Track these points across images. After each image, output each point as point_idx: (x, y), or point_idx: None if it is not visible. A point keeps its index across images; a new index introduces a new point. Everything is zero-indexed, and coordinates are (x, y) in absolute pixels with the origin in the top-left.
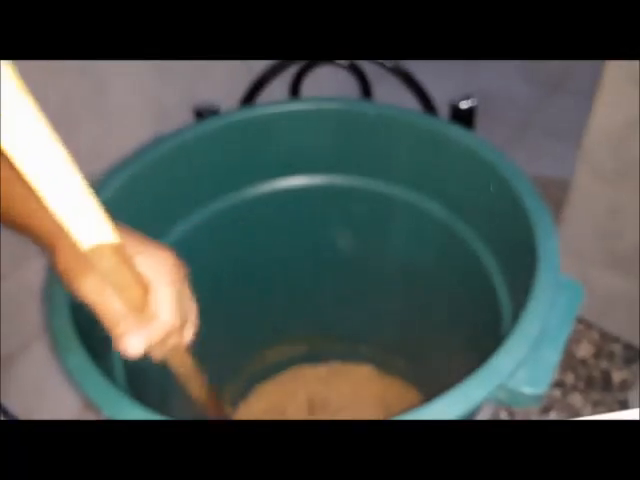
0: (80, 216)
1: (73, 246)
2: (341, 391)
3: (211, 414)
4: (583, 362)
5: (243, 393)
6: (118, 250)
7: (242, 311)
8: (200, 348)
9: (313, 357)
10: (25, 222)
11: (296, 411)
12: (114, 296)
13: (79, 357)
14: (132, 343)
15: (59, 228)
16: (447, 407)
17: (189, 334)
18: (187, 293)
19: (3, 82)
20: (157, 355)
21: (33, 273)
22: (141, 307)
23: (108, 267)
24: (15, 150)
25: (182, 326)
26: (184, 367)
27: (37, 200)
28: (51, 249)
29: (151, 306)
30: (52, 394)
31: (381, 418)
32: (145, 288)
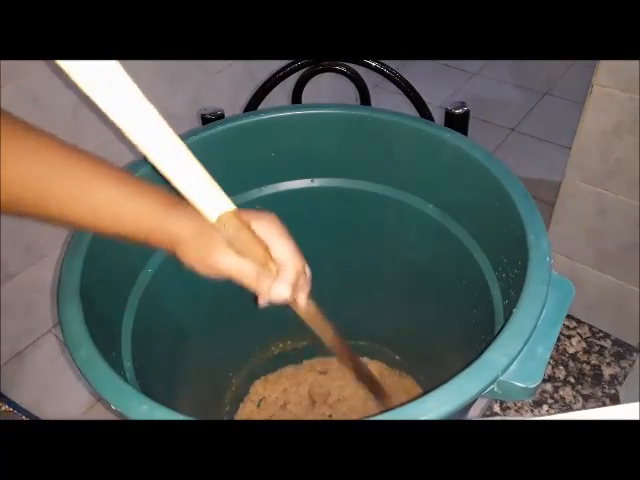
0: (205, 191)
1: (196, 236)
2: (341, 384)
3: (341, 356)
4: (574, 357)
5: (245, 387)
6: (236, 214)
7: (244, 309)
8: (204, 343)
9: (313, 352)
10: (134, 232)
11: (297, 404)
12: (246, 261)
13: (89, 352)
14: (279, 291)
15: (176, 226)
16: (442, 400)
17: (309, 273)
18: (296, 244)
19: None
20: (299, 300)
21: (44, 269)
22: (266, 262)
23: (234, 231)
24: (149, 147)
25: (304, 269)
26: (313, 310)
27: (151, 213)
28: (172, 247)
29: (275, 258)
30: (62, 388)
31: (379, 411)
32: (265, 246)
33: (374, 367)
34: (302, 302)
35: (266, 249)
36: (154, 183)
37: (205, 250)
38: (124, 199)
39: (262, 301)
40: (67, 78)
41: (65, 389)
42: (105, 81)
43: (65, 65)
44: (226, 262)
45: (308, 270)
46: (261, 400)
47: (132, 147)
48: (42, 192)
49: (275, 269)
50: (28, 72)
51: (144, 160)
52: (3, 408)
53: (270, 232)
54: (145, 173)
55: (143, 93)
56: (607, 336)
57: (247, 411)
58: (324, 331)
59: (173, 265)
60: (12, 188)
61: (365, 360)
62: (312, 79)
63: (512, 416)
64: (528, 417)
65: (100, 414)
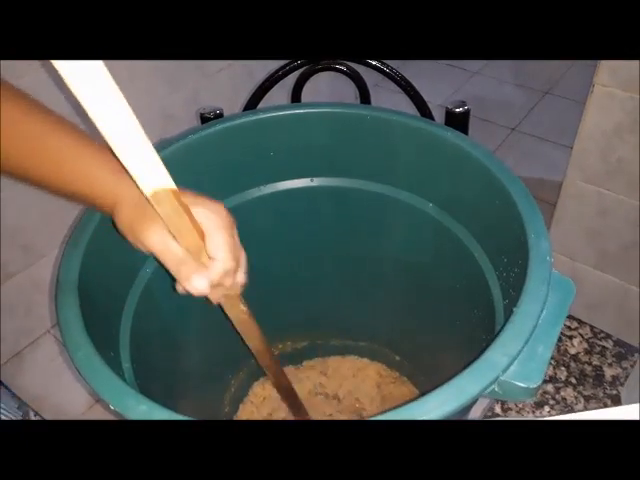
0: (143, 162)
1: (134, 204)
2: (340, 384)
3: (267, 366)
4: (575, 358)
5: (245, 388)
6: (176, 194)
7: None
8: (203, 344)
9: (313, 352)
10: (77, 186)
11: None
12: (175, 242)
13: (87, 352)
14: (196, 283)
15: (119, 188)
16: (443, 401)
17: (242, 277)
18: (237, 239)
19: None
20: (214, 297)
21: (42, 269)
22: (199, 252)
23: (169, 210)
24: (91, 106)
25: (236, 268)
26: (239, 312)
27: (96, 165)
28: (110, 209)
29: (208, 250)
30: (61, 388)
31: (379, 411)
32: (201, 234)
33: (374, 368)
34: (215, 297)
35: (201, 237)
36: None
37: (137, 219)
38: (77, 157)
39: (179, 288)
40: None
41: (64, 389)
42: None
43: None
44: (153, 237)
45: (242, 274)
46: (261, 401)
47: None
48: (32, 150)
49: (205, 260)
50: (28, 72)
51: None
52: None
53: (210, 221)
54: None
55: (142, 92)
56: (608, 337)
57: (247, 412)
58: (250, 340)
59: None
60: (10, 143)
61: (365, 361)
62: (311, 78)
63: (513, 417)
64: (529, 418)
65: (99, 414)
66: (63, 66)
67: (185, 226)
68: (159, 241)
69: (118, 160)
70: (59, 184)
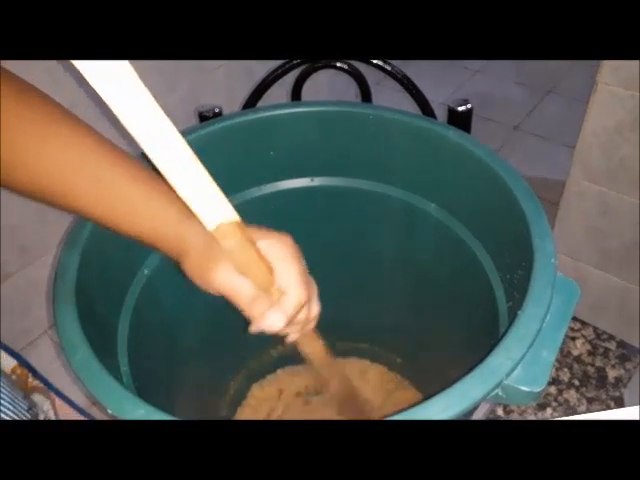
0: (205, 196)
1: (201, 247)
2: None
3: (344, 402)
4: (578, 359)
5: (244, 390)
6: (240, 227)
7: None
8: (202, 346)
9: None
10: (146, 233)
11: (296, 406)
12: (245, 280)
13: (85, 355)
14: (272, 319)
15: (186, 233)
16: (446, 405)
17: (316, 309)
18: (306, 270)
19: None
20: (292, 333)
21: (40, 270)
22: (268, 286)
23: (234, 245)
24: (151, 150)
25: (309, 301)
26: (317, 348)
27: (161, 210)
28: (178, 254)
29: (279, 283)
30: (59, 389)
31: (381, 415)
32: (270, 268)
33: (375, 371)
34: (292, 337)
35: (270, 271)
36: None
37: (205, 263)
38: (143, 199)
39: (254, 328)
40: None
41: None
42: (116, 80)
43: (80, 65)
44: (222, 278)
45: (316, 305)
46: (259, 403)
47: (130, 144)
48: (70, 184)
49: (277, 295)
50: (28, 72)
51: (143, 157)
52: (34, 384)
53: (278, 254)
54: None
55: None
56: (612, 338)
57: (245, 414)
58: (328, 374)
59: (170, 267)
60: (46, 177)
61: (367, 364)
62: (312, 76)
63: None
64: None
65: (97, 417)
66: (102, 84)
67: (253, 260)
68: (228, 280)
69: (182, 202)
70: (125, 227)
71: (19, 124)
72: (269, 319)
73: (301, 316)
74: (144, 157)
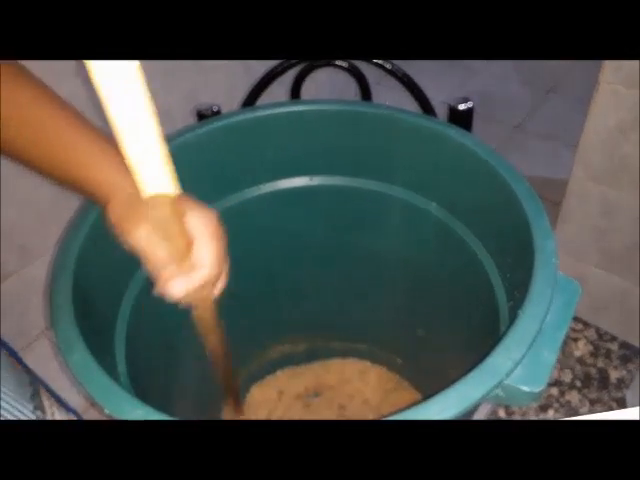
0: (151, 164)
1: (129, 198)
2: (339, 388)
3: (221, 376)
4: (580, 361)
5: (243, 391)
6: (174, 202)
7: (241, 312)
8: (200, 347)
9: (313, 355)
10: (75, 173)
11: (295, 407)
12: (161, 244)
13: (82, 355)
14: (175, 287)
15: (117, 179)
16: (446, 405)
17: (220, 287)
18: (224, 251)
19: None
20: (186, 301)
21: (38, 270)
22: (183, 257)
23: (162, 216)
24: (106, 93)
25: (217, 279)
26: (208, 318)
27: (96, 156)
28: (105, 199)
29: (193, 257)
30: (57, 389)
31: (380, 415)
32: (189, 240)
33: (375, 372)
34: (186, 304)
35: (188, 245)
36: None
37: (130, 215)
38: (86, 146)
39: (157, 290)
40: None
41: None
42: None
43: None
44: (141, 235)
45: (221, 283)
46: (258, 404)
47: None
48: (36, 133)
49: (187, 267)
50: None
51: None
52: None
53: (200, 228)
54: None
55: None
56: (614, 339)
57: (244, 416)
58: (208, 339)
59: None
60: (17, 127)
61: (366, 364)
62: (311, 74)
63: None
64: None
65: (94, 418)
66: (93, 63)
67: (175, 232)
68: (145, 240)
69: (120, 156)
70: (59, 170)
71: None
72: (172, 286)
73: (205, 291)
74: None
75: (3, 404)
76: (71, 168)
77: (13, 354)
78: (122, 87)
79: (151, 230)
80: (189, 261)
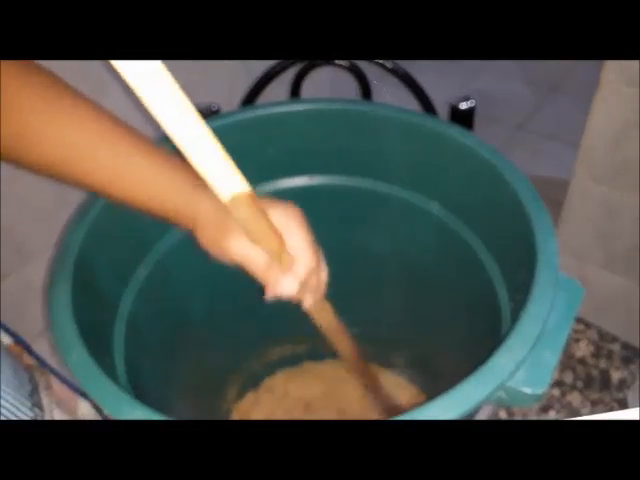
0: (218, 169)
1: (214, 217)
2: (341, 388)
3: (356, 370)
4: (582, 361)
5: (243, 392)
6: (252, 198)
7: (242, 312)
8: (200, 348)
9: (315, 355)
10: (160, 207)
11: (295, 407)
12: (257, 249)
13: (81, 355)
14: (285, 286)
15: (199, 203)
16: (447, 407)
17: (325, 274)
18: (313, 237)
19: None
20: (306, 300)
21: (36, 271)
22: (280, 254)
23: (247, 215)
24: (168, 122)
25: (318, 267)
26: (328, 315)
27: (173, 183)
28: (192, 226)
29: (289, 251)
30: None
31: (382, 417)
32: (280, 236)
33: (377, 372)
34: (308, 303)
35: (281, 240)
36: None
37: (219, 232)
38: (159, 174)
39: (269, 293)
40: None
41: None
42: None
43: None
44: (236, 246)
45: (324, 271)
46: (258, 406)
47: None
48: (86, 158)
49: (288, 262)
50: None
51: (161, 138)
52: (29, 362)
53: (287, 223)
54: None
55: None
56: (616, 339)
57: (245, 414)
58: (338, 341)
59: (167, 267)
60: (60, 149)
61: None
62: (311, 73)
63: None
64: None
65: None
66: (129, 69)
67: (264, 229)
68: (241, 249)
69: (194, 173)
70: (140, 200)
71: (30, 100)
72: (283, 284)
73: (312, 281)
74: (164, 138)
75: (2, 402)
76: (153, 202)
77: (22, 343)
78: (159, 87)
79: (243, 238)
80: (288, 257)
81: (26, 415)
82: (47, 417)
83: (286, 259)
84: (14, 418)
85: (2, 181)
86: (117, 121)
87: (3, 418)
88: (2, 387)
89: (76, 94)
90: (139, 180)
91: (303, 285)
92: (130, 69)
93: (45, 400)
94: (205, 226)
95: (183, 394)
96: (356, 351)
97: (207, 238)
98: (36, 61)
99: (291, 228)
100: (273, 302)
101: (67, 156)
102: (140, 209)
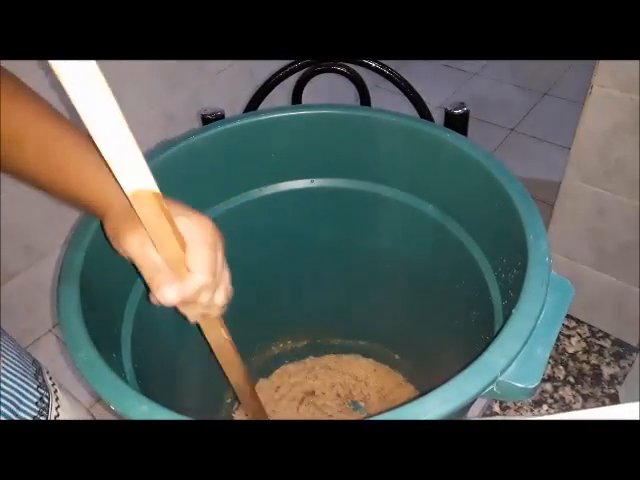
0: (126, 161)
1: (122, 210)
2: (340, 383)
3: (243, 394)
4: (574, 357)
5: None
6: (158, 198)
7: (244, 309)
8: (204, 343)
9: (314, 352)
10: (76, 192)
11: (297, 404)
12: (154, 250)
13: (89, 353)
14: (167, 293)
15: (110, 194)
16: (442, 400)
17: (221, 298)
18: (222, 259)
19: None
20: (191, 314)
21: (44, 270)
22: (177, 263)
23: (150, 213)
24: (80, 104)
25: (214, 287)
26: (218, 337)
27: (91, 171)
28: (102, 215)
29: (187, 263)
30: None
31: (378, 410)
32: (183, 246)
33: (375, 368)
34: (192, 318)
35: (182, 249)
36: None
37: (122, 226)
38: (77, 164)
39: (152, 298)
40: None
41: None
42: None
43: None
44: (133, 243)
45: (222, 293)
46: (263, 400)
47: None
48: (17, 144)
49: (181, 273)
50: (28, 72)
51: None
52: None
53: (194, 235)
54: None
55: (143, 93)
56: (607, 336)
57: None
58: (228, 365)
59: None
60: (18, 145)
61: (367, 361)
62: (312, 79)
63: (512, 416)
64: (528, 417)
65: (100, 414)
66: (57, 64)
67: (166, 233)
68: (137, 246)
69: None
70: (57, 188)
71: None
72: (164, 292)
73: (203, 299)
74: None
75: (8, 382)
76: (70, 186)
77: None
78: (82, 84)
79: (144, 237)
80: (184, 268)
81: (33, 395)
82: (52, 398)
83: (182, 270)
84: (21, 399)
85: (10, 181)
86: (45, 106)
87: (10, 398)
88: (8, 369)
89: (14, 80)
90: (59, 168)
91: (188, 300)
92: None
93: (49, 382)
94: (111, 216)
95: (188, 391)
96: (245, 374)
97: (110, 229)
98: None
99: (196, 242)
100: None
101: (4, 135)
102: (64, 198)
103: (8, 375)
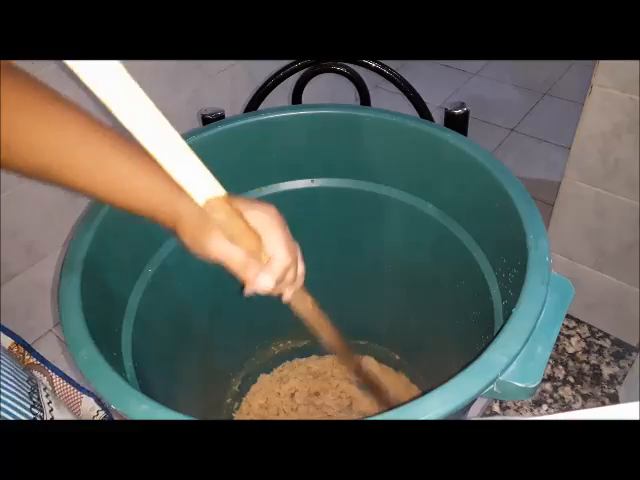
0: (193, 175)
1: (195, 218)
2: (342, 383)
3: (341, 355)
4: (573, 357)
5: (246, 387)
6: (228, 201)
7: (244, 309)
8: (204, 343)
9: (314, 351)
10: (143, 205)
11: (297, 403)
12: (235, 248)
13: (89, 352)
14: (262, 281)
15: (180, 204)
16: (442, 400)
17: (301, 268)
18: (290, 235)
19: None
20: (286, 295)
21: (44, 270)
22: (258, 252)
23: (224, 217)
24: (141, 133)
25: (295, 262)
26: (308, 303)
27: (158, 181)
28: (173, 225)
29: (266, 249)
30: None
31: (379, 410)
32: (257, 235)
33: (376, 368)
34: (287, 296)
35: (258, 238)
36: None
37: (199, 232)
38: (139, 175)
39: (247, 289)
40: (74, 77)
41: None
42: (107, 77)
43: (73, 65)
44: (216, 246)
45: (301, 265)
46: (260, 400)
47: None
48: (67, 162)
49: (265, 259)
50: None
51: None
52: (31, 360)
53: (264, 222)
54: None
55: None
56: (606, 336)
57: (247, 411)
58: (320, 328)
59: (173, 265)
60: (44, 155)
61: (366, 359)
62: (312, 79)
63: (511, 415)
64: (528, 417)
65: (101, 413)
66: (92, 72)
67: (241, 229)
68: (221, 248)
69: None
70: (121, 201)
71: (15, 106)
72: (260, 280)
73: (289, 276)
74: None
75: (2, 402)
76: (134, 198)
77: (7, 332)
78: (125, 93)
79: (223, 238)
80: (265, 255)
81: (25, 416)
82: (46, 417)
83: (264, 257)
84: (13, 418)
85: (11, 181)
86: (97, 123)
87: (2, 418)
88: (2, 387)
89: (55, 96)
90: (121, 181)
91: (279, 280)
92: (92, 71)
93: (44, 400)
94: (186, 226)
95: (188, 390)
96: (339, 337)
97: (188, 238)
98: (11, 63)
99: (267, 227)
100: (255, 297)
101: (50, 161)
102: (127, 209)
103: (0, 394)
